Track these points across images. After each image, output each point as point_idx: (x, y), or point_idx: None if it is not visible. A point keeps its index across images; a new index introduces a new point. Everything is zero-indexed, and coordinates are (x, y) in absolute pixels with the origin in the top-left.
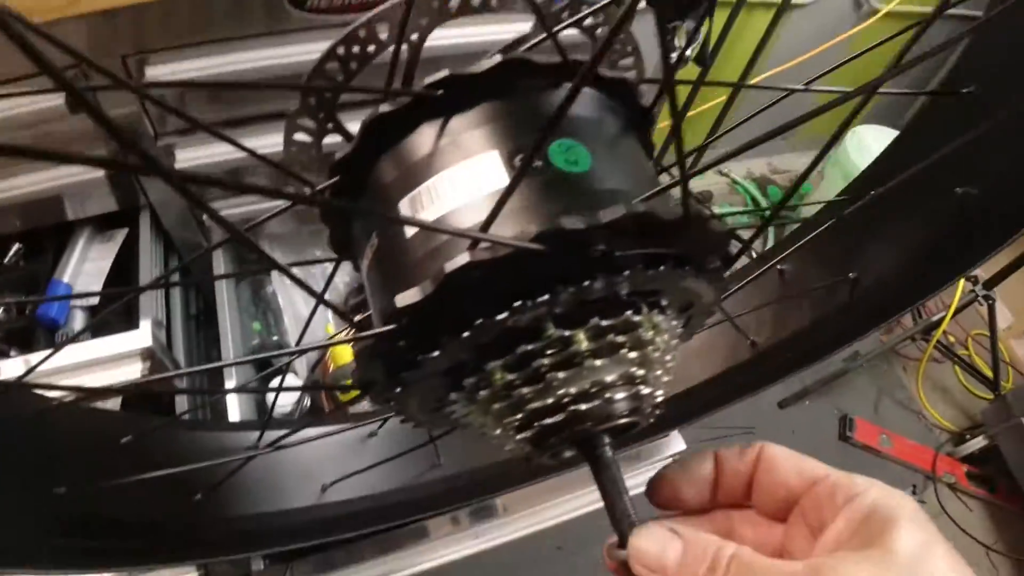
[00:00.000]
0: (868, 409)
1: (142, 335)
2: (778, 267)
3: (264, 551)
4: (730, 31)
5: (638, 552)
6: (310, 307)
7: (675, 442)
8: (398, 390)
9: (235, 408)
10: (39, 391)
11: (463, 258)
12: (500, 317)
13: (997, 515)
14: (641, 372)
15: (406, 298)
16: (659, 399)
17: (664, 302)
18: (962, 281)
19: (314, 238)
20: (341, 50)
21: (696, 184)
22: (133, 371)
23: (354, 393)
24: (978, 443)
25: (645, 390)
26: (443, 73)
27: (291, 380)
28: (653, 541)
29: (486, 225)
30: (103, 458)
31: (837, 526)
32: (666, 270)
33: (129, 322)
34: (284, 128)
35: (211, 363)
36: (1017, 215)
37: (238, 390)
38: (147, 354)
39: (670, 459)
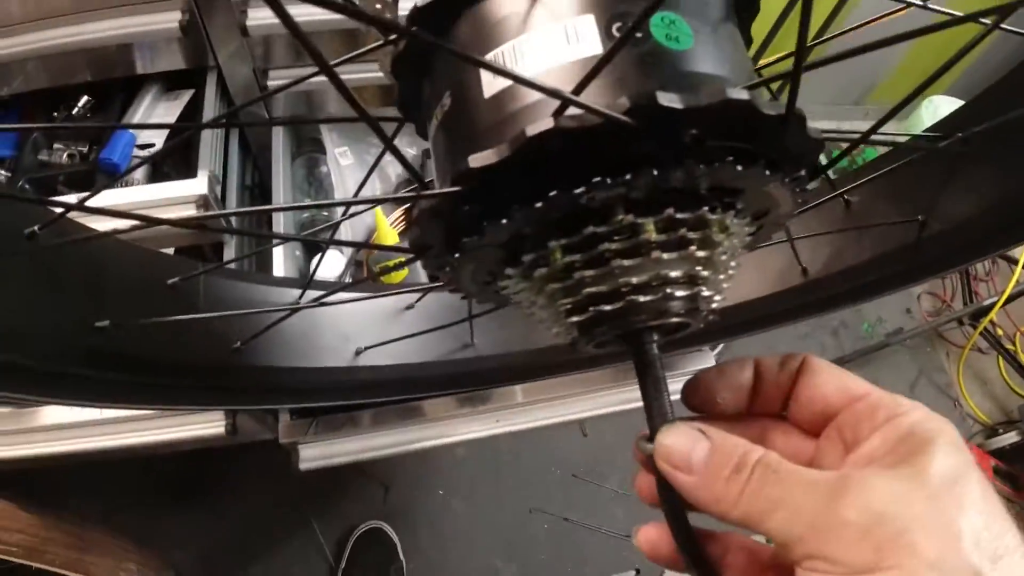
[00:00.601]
0: (904, 388)
1: (199, 183)
2: (846, 198)
3: (294, 404)
4: None
5: (664, 448)
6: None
7: (706, 359)
8: (455, 256)
9: (280, 269)
10: (96, 217)
11: (547, 123)
12: (577, 191)
13: (1020, 515)
14: (705, 273)
15: (480, 159)
16: (715, 304)
17: (741, 204)
18: (1019, 269)
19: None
20: None
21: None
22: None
23: (400, 276)
24: (1010, 438)
25: (705, 292)
26: None
27: (335, 257)
28: (681, 438)
29: (577, 90)
30: (148, 297)
31: (872, 443)
32: (757, 169)
33: (187, 172)
34: None
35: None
36: None
37: (288, 238)
38: (202, 201)
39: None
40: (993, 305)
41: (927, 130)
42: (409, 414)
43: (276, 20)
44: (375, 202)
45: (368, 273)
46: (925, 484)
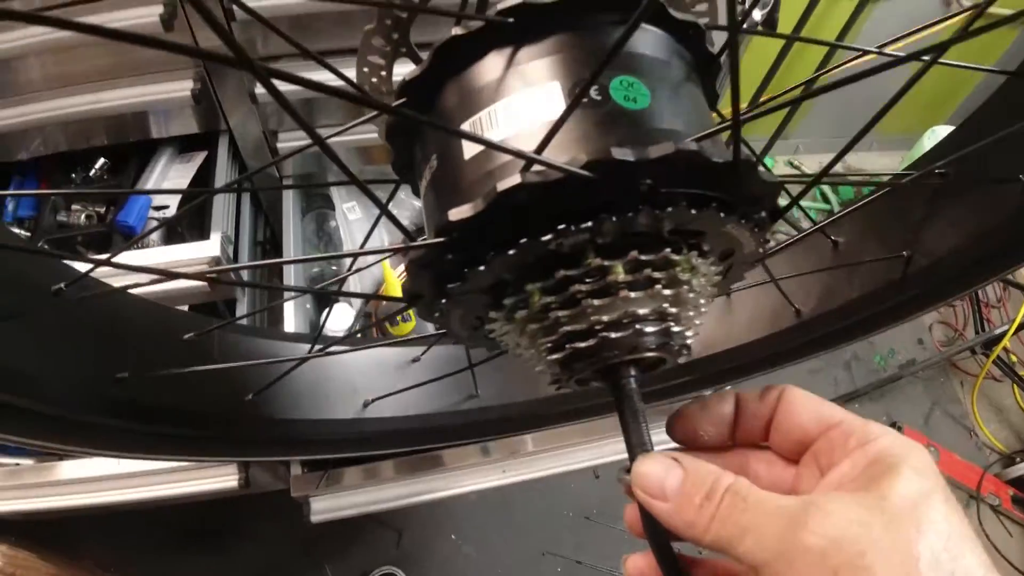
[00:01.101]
0: (918, 420)
1: (211, 245)
2: (832, 238)
3: (305, 456)
4: (805, 24)
5: (640, 476)
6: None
7: None
8: (443, 302)
9: (291, 323)
10: (117, 273)
11: (515, 179)
12: (545, 238)
13: None
14: (673, 310)
15: (459, 213)
16: (689, 340)
17: (705, 245)
18: None
19: (378, 175)
20: None
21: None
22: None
23: (407, 328)
24: None
25: (675, 328)
26: (516, 1)
27: (344, 310)
28: (656, 466)
29: (539, 149)
30: (166, 351)
31: (843, 468)
32: (710, 212)
33: (201, 233)
34: (359, 46)
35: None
36: None
37: (299, 290)
38: (215, 263)
39: None
40: (1005, 333)
41: (909, 166)
42: (418, 466)
43: (283, 88)
44: (371, 253)
45: (376, 325)
46: (885, 509)
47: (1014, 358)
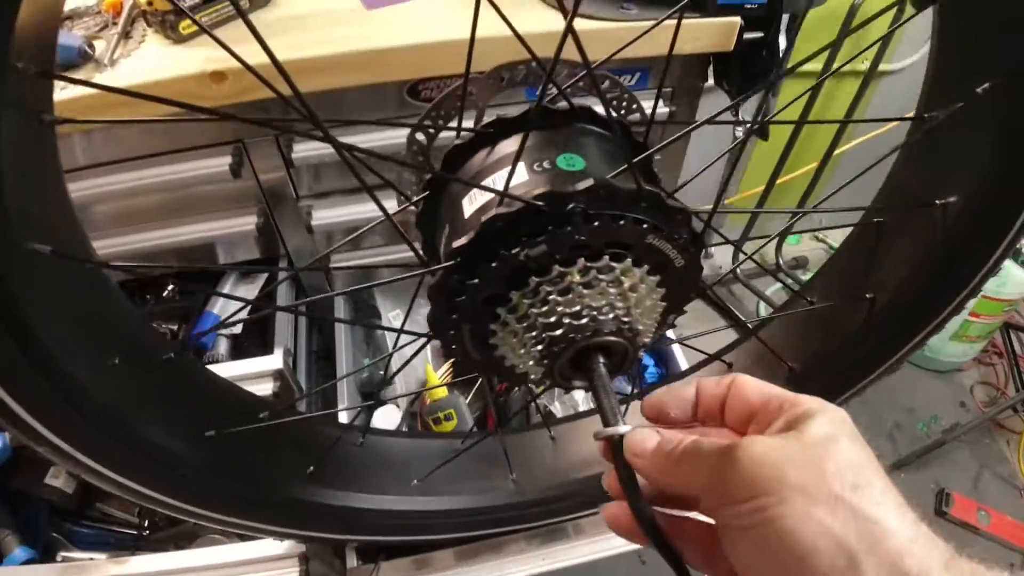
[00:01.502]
0: (967, 484)
1: (275, 359)
2: (808, 299)
3: (357, 536)
4: (816, 99)
5: (629, 441)
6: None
7: None
8: (454, 317)
9: (344, 418)
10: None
11: (492, 212)
12: (515, 251)
13: None
14: (621, 304)
15: (458, 242)
16: (642, 332)
17: (638, 257)
18: None
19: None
20: (433, 112)
21: (792, 250)
22: (265, 388)
23: (450, 427)
24: None
25: (625, 317)
26: (493, 118)
27: (391, 411)
28: (641, 433)
29: (505, 189)
30: (245, 423)
31: (774, 427)
32: (627, 224)
33: (264, 349)
34: (396, 174)
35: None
36: (999, 223)
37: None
38: (277, 375)
39: None
40: None
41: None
42: (467, 555)
43: (336, 219)
44: (395, 270)
45: (422, 422)
46: (799, 440)
47: None
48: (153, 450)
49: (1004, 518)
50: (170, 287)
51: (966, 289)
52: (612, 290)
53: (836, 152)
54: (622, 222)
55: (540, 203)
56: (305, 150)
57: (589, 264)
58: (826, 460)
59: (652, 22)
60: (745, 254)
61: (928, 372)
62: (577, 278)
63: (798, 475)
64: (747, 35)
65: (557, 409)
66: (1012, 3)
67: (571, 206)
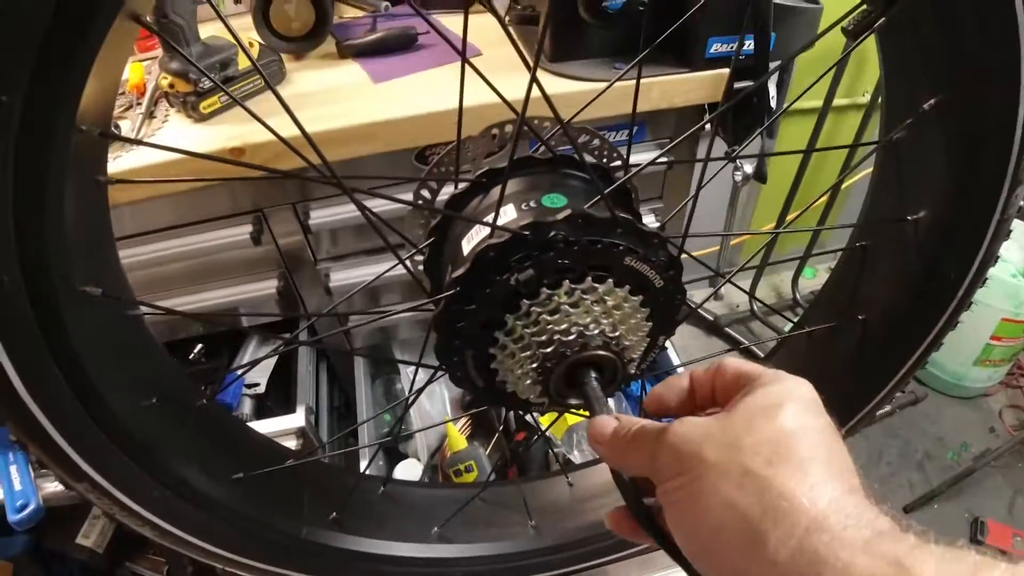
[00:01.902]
0: (1001, 511)
1: (297, 417)
2: (807, 328)
3: None
4: (820, 134)
5: (592, 428)
6: (434, 403)
7: None
8: (457, 342)
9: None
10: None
11: (484, 243)
12: (505, 276)
13: None
14: (606, 321)
15: (456, 272)
16: (628, 347)
17: (617, 277)
18: None
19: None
20: (435, 169)
21: (808, 284)
22: (288, 443)
23: (470, 478)
24: None
25: (612, 333)
26: (485, 168)
27: (412, 465)
28: (600, 422)
29: (494, 222)
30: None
31: (733, 401)
32: (604, 248)
33: (287, 407)
34: (406, 219)
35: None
36: (970, 232)
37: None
38: (300, 433)
39: None
40: None
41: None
42: None
43: (353, 280)
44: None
45: (443, 475)
46: (728, 416)
47: None
48: (183, 489)
49: None
50: (197, 348)
51: (952, 302)
52: (596, 308)
53: (845, 185)
54: (599, 245)
55: (526, 232)
56: (321, 216)
57: (574, 285)
58: (747, 435)
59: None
60: (723, 277)
61: (954, 399)
62: (564, 298)
63: (714, 451)
64: (737, 84)
65: (576, 457)
66: (945, 24)
67: (552, 233)
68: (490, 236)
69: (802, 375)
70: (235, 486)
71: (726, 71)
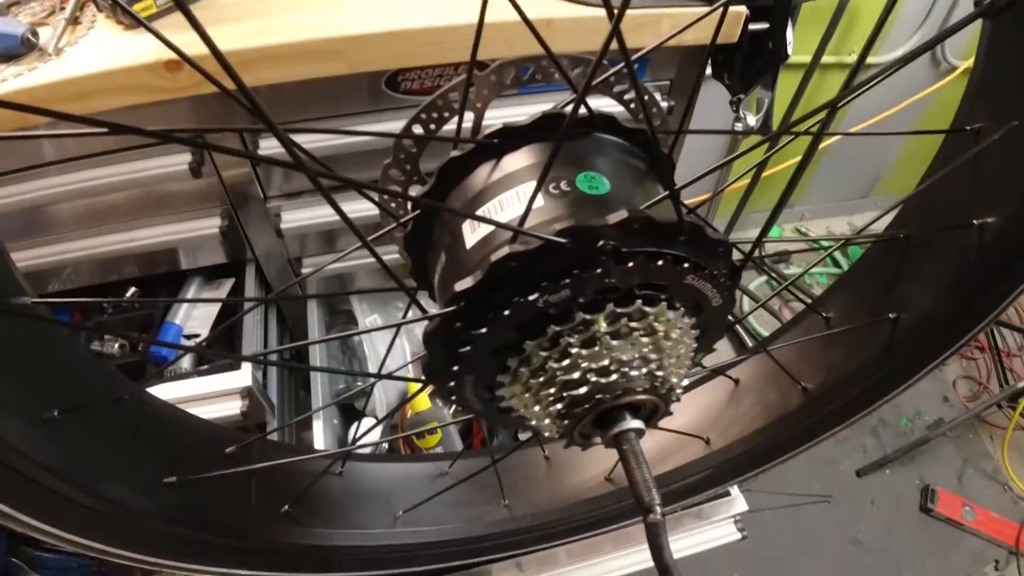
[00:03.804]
0: (951, 480)
1: (243, 375)
2: (824, 315)
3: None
4: (803, 93)
5: None
6: (393, 356)
7: (737, 503)
8: (456, 369)
9: (320, 440)
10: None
11: (504, 250)
12: (532, 297)
13: None
14: (655, 356)
15: (463, 284)
16: (677, 386)
17: (674, 299)
18: None
19: (396, 294)
20: (423, 115)
21: (775, 246)
22: (233, 406)
23: (433, 440)
24: None
25: (659, 372)
26: (499, 125)
27: (371, 423)
28: None
29: (521, 225)
30: (210, 461)
31: None
32: (665, 264)
33: (231, 364)
34: (379, 177)
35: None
36: None
37: (328, 370)
38: (246, 392)
39: (732, 519)
40: None
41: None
42: None
43: (308, 221)
44: (389, 327)
45: (404, 437)
46: None
47: None
48: (107, 506)
49: (989, 514)
50: (130, 292)
51: (996, 310)
52: (645, 339)
53: (821, 146)
54: (660, 262)
55: (563, 240)
56: (272, 145)
57: (619, 310)
58: None
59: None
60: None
61: None
62: (604, 327)
63: None
64: (752, 26)
65: None
66: None
67: (600, 243)
68: (512, 239)
69: (814, 365)
70: (168, 491)
71: (744, 10)
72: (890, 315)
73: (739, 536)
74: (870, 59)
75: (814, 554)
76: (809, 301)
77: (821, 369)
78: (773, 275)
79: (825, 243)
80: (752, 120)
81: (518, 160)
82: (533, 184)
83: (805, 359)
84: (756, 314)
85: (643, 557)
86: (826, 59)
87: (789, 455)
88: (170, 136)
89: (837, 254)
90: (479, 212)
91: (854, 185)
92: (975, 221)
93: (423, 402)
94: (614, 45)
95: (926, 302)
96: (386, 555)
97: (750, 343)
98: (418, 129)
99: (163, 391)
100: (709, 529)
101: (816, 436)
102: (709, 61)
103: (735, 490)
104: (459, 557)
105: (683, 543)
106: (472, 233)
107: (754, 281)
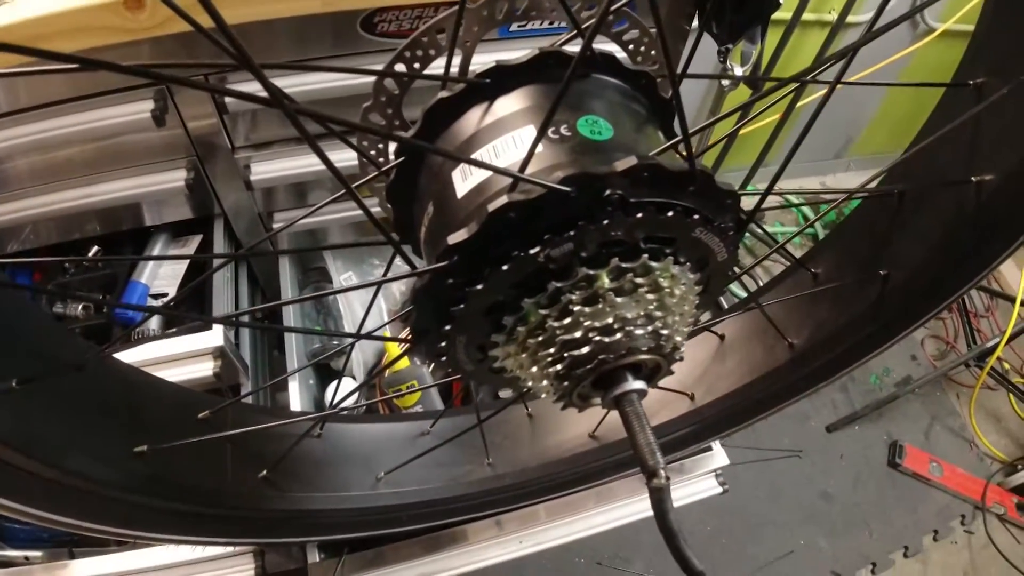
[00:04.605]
0: (919, 436)
1: (214, 335)
2: (812, 270)
3: (321, 537)
4: (783, 50)
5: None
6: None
7: (719, 457)
8: (447, 328)
9: (296, 402)
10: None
11: (503, 199)
12: (533, 251)
13: None
14: (660, 313)
15: (456, 237)
16: (680, 344)
17: (680, 253)
18: (1017, 306)
19: (371, 250)
20: (407, 53)
21: (748, 201)
22: (205, 368)
23: (412, 400)
24: None
25: (664, 331)
26: (491, 63)
27: (349, 384)
28: None
29: (521, 171)
30: (182, 428)
31: None
32: (675, 216)
33: (203, 324)
34: (359, 120)
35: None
36: None
37: (304, 330)
38: (218, 352)
39: (713, 473)
40: (997, 344)
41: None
42: (435, 545)
43: (279, 173)
44: (385, 281)
45: (382, 395)
46: None
47: (1007, 366)
48: (74, 479)
49: (955, 470)
50: (93, 250)
51: (987, 268)
52: (651, 296)
53: (798, 104)
54: (670, 213)
55: (568, 189)
56: (244, 84)
57: (624, 264)
58: None
59: None
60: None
61: None
62: (607, 283)
63: None
64: None
65: None
66: None
67: (607, 193)
68: (511, 187)
69: (800, 320)
70: (138, 461)
71: None
72: (880, 272)
73: (720, 490)
74: (850, 17)
75: (785, 507)
76: (797, 257)
77: (808, 325)
78: (768, 233)
79: (828, 197)
80: (739, 71)
81: (513, 102)
82: (530, 128)
83: (791, 315)
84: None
85: (624, 512)
86: (806, 16)
87: (773, 410)
88: (144, 71)
89: (809, 211)
90: (475, 155)
91: (828, 146)
92: (973, 178)
93: (402, 360)
94: None
95: (917, 259)
96: (367, 517)
97: (736, 299)
98: (401, 68)
99: (131, 354)
100: (691, 483)
101: (801, 392)
102: (696, 10)
103: (716, 445)
104: (441, 516)
105: None
106: (464, 181)
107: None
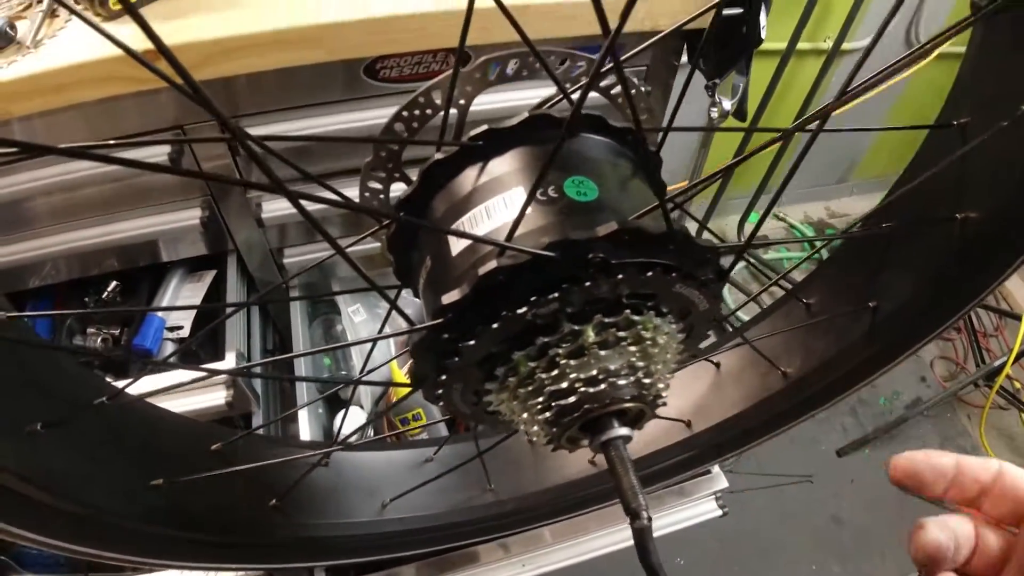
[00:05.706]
0: None
1: (227, 365)
2: (804, 301)
3: (328, 562)
4: (777, 84)
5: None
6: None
7: (718, 480)
8: (443, 378)
9: (306, 431)
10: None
11: (492, 263)
12: (521, 311)
13: None
14: (642, 364)
15: (450, 297)
16: (663, 391)
17: (662, 306)
18: (1022, 326)
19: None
20: (405, 113)
21: (751, 228)
22: (218, 397)
23: (416, 425)
24: None
25: (647, 379)
26: (483, 128)
27: (356, 412)
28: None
29: (508, 239)
30: (195, 460)
31: None
32: (655, 275)
33: (215, 354)
34: (360, 177)
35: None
36: (1019, 238)
37: (311, 380)
38: (230, 382)
39: (713, 496)
40: (1005, 363)
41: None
42: (440, 568)
43: (289, 211)
44: (382, 338)
45: (388, 422)
46: None
47: (1017, 385)
48: (94, 512)
49: None
50: (112, 285)
51: (974, 300)
52: (633, 348)
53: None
54: (650, 272)
55: (552, 254)
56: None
57: (607, 319)
58: None
59: None
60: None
61: None
62: (592, 337)
63: None
64: (726, 11)
65: None
66: None
67: (590, 256)
68: (499, 251)
69: (794, 349)
70: (153, 493)
71: None
72: (870, 304)
73: (720, 513)
74: (845, 45)
75: (796, 532)
76: (790, 287)
77: (801, 354)
78: (762, 270)
79: (814, 238)
80: (727, 105)
81: (505, 164)
82: (520, 190)
83: (785, 344)
84: (733, 294)
85: (626, 535)
86: (801, 45)
87: (769, 436)
88: (196, 173)
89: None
90: (466, 218)
91: (830, 170)
92: (957, 215)
93: (405, 381)
94: (599, 30)
95: (906, 291)
96: (373, 543)
97: (739, 324)
98: (400, 127)
99: (146, 383)
100: (691, 506)
101: (796, 418)
102: (684, 46)
103: (715, 468)
104: (445, 541)
105: (666, 520)
106: (458, 241)
107: (735, 267)
